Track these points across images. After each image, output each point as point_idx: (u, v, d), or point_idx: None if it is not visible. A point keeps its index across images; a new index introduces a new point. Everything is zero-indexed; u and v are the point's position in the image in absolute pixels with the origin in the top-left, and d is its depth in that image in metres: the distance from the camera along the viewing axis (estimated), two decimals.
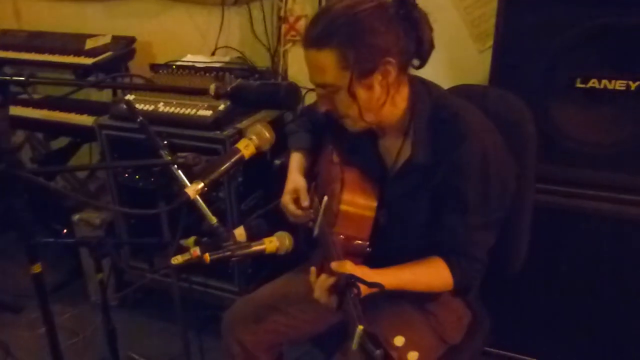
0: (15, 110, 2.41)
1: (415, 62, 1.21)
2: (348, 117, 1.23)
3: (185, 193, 1.08)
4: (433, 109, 1.23)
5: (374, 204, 1.28)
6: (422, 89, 1.26)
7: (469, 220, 1.20)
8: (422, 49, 1.18)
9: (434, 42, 1.19)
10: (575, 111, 1.59)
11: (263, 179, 2.04)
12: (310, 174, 1.54)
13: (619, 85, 1.51)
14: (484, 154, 1.17)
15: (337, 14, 1.14)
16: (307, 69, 1.20)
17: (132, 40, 2.53)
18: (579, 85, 1.55)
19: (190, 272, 1.93)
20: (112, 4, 2.71)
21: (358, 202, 1.27)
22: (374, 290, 1.04)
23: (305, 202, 1.40)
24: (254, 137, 1.18)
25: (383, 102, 1.20)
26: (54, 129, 2.58)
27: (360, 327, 0.87)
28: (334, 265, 1.09)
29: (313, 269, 1.14)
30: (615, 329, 1.72)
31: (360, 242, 1.25)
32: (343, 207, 1.25)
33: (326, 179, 1.43)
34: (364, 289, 1.02)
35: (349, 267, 1.07)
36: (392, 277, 1.15)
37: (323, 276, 1.09)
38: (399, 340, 0.86)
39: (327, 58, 1.13)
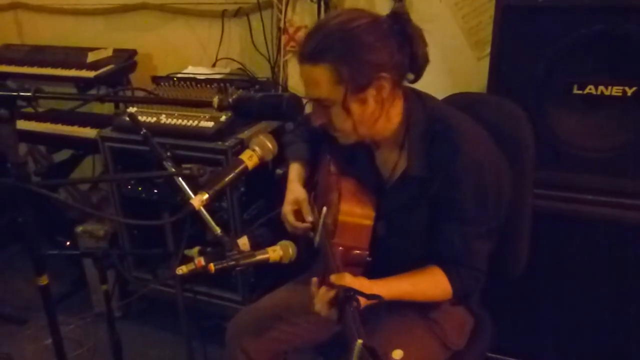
0: (18, 124, 2.41)
1: (410, 76, 1.23)
2: (342, 132, 1.25)
3: (191, 204, 1.10)
4: (427, 121, 1.25)
5: (372, 212, 1.29)
6: (416, 102, 1.27)
7: (466, 230, 1.22)
8: (416, 64, 1.20)
9: (428, 56, 1.21)
10: (573, 117, 1.60)
11: (265, 188, 2.05)
12: (309, 184, 1.55)
13: (616, 91, 1.52)
14: (479, 164, 1.19)
15: (332, 29, 1.15)
16: (302, 84, 1.21)
17: (133, 53, 2.55)
18: (576, 91, 1.57)
19: (194, 282, 1.94)
20: (112, 17, 2.73)
21: (356, 212, 1.28)
22: (374, 302, 1.05)
23: (309, 217, 1.42)
24: (257, 148, 1.20)
25: (377, 116, 1.21)
26: (57, 142, 2.59)
27: (360, 342, 0.88)
28: (333, 278, 1.09)
29: (314, 279, 1.15)
30: (618, 333, 1.72)
31: (359, 251, 1.25)
32: (341, 217, 1.26)
33: (325, 189, 1.45)
34: (363, 301, 1.03)
35: (348, 280, 1.08)
36: (391, 288, 1.16)
37: (323, 289, 1.10)
38: (397, 354, 0.87)
39: (322, 73, 1.14)
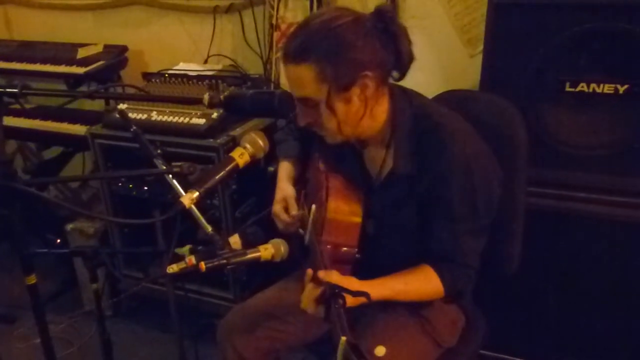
0: (7, 120, 2.40)
1: (395, 74, 1.22)
2: (327, 131, 1.24)
3: (181, 202, 1.08)
4: (414, 118, 1.24)
5: (360, 209, 1.29)
6: (403, 99, 1.27)
7: (456, 227, 1.21)
8: (401, 62, 1.19)
9: (413, 54, 1.19)
10: (565, 115, 1.60)
11: (257, 186, 2.04)
12: (301, 182, 1.54)
13: (608, 88, 1.52)
14: (467, 162, 1.18)
15: (315, 29, 1.15)
16: (288, 83, 1.21)
17: (124, 49, 2.52)
18: (568, 89, 1.57)
19: (185, 281, 1.93)
20: (103, 13, 2.71)
21: (343, 209, 1.28)
22: (361, 300, 1.04)
23: (293, 211, 1.41)
24: (248, 146, 1.19)
25: (362, 115, 1.20)
26: (47, 139, 2.57)
27: (344, 339, 0.88)
28: (320, 274, 1.09)
29: (309, 270, 1.14)
30: (610, 330, 1.73)
31: (347, 249, 1.25)
32: (329, 214, 1.26)
33: (315, 186, 1.44)
34: (351, 300, 1.02)
35: (335, 278, 1.08)
36: (382, 288, 1.16)
37: (310, 286, 1.10)
38: (380, 351, 0.87)
39: (306, 73, 1.13)
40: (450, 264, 1.23)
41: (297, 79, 1.16)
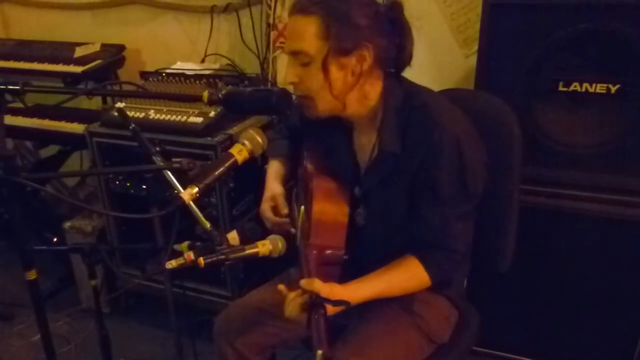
0: (5, 119, 2.40)
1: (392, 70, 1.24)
2: (313, 95, 1.23)
3: (180, 197, 1.09)
4: (404, 97, 1.25)
5: (346, 209, 1.28)
6: (394, 82, 1.27)
7: (445, 211, 1.21)
8: (401, 56, 1.21)
9: (412, 54, 1.22)
10: (558, 114, 1.63)
11: (254, 184, 2.05)
12: (291, 180, 1.55)
13: (600, 88, 1.55)
14: (457, 141, 1.19)
15: None
16: (287, 36, 1.22)
17: (121, 48, 2.54)
18: (561, 88, 1.59)
19: (183, 278, 1.94)
20: (100, 12, 2.72)
21: (329, 210, 1.28)
22: (342, 308, 1.04)
23: (284, 210, 1.41)
24: (246, 142, 1.20)
25: (351, 87, 1.21)
26: (44, 137, 2.58)
27: (320, 352, 0.88)
28: (302, 283, 1.09)
29: (281, 286, 1.16)
30: (603, 326, 1.75)
31: (333, 251, 1.24)
32: (314, 216, 1.26)
33: (304, 187, 1.44)
34: (331, 309, 1.03)
35: (317, 285, 1.07)
36: (365, 290, 1.17)
37: (293, 294, 1.10)
38: None
39: (310, 25, 1.15)
40: (436, 250, 1.22)
41: (299, 30, 1.18)
